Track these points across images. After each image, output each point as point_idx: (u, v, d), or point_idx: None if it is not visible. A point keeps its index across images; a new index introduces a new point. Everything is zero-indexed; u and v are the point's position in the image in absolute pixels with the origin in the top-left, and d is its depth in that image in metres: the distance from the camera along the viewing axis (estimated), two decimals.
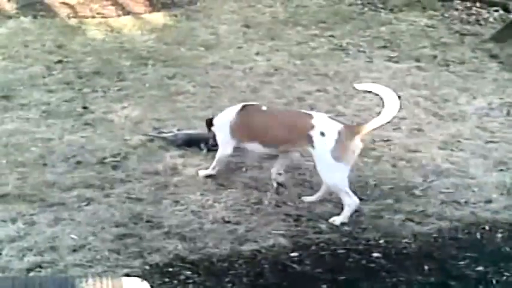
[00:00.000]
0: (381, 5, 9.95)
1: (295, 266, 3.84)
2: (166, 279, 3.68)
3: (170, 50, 7.78)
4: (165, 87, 6.63)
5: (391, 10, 9.74)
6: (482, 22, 9.26)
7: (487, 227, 4.25)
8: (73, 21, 8.92)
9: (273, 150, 4.64)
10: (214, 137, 4.87)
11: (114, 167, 4.96)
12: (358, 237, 4.13)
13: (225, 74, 7.07)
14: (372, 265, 3.87)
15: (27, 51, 7.64)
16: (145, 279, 2.45)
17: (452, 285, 3.70)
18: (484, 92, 6.69)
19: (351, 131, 4.29)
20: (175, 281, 3.67)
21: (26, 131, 5.56)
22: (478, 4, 9.82)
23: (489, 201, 4.57)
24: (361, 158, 5.13)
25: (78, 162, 5.02)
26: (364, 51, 7.97)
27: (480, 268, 3.82)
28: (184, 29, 8.69)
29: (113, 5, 9.74)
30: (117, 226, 4.16)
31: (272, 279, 3.73)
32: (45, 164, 4.99)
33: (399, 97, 6.38)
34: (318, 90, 6.61)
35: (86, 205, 4.41)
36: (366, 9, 9.82)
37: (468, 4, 9.86)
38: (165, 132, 5.43)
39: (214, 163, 4.79)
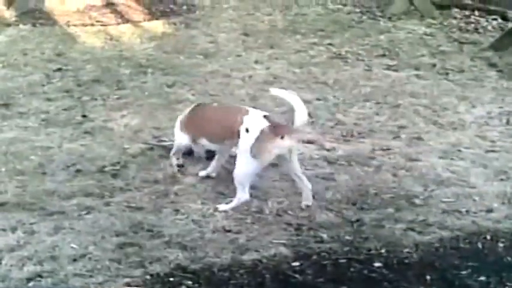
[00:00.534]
0: (379, 14, 10.00)
1: (296, 275, 3.81)
2: None
3: (169, 58, 7.79)
4: (165, 96, 6.63)
5: (390, 18, 9.78)
6: (481, 30, 9.29)
7: (488, 237, 4.23)
8: (72, 29, 8.94)
9: (220, 147, 4.76)
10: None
11: (114, 176, 4.94)
12: (360, 247, 4.11)
13: (224, 82, 7.08)
14: (374, 275, 3.85)
15: (27, 59, 7.65)
16: None
17: None
18: (483, 101, 6.69)
19: (274, 131, 4.33)
20: None
21: (25, 139, 5.55)
22: (476, 12, 9.86)
23: (490, 211, 4.55)
24: (361, 167, 5.16)
25: (78, 171, 5.01)
26: (363, 60, 7.99)
27: (482, 278, 3.79)
28: (183, 37, 8.71)
29: (112, 13, 9.77)
30: (117, 235, 4.14)
31: None
32: (44, 173, 4.98)
33: (398, 105, 6.52)
34: (318, 99, 6.61)
35: (86, 214, 4.39)
36: (364, 17, 9.87)
37: (467, 12, 9.91)
38: (165, 141, 5.42)
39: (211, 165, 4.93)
